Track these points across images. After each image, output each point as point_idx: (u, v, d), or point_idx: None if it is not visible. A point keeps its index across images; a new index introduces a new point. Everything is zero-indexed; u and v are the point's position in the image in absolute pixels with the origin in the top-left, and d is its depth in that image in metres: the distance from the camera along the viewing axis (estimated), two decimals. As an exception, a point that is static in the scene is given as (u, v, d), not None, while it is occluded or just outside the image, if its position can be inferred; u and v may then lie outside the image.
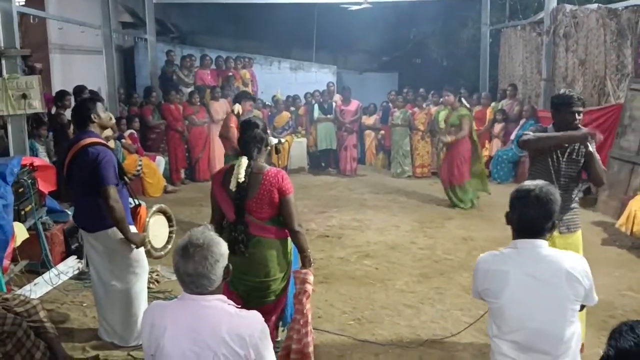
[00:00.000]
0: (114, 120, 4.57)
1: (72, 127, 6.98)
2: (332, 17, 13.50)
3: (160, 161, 9.58)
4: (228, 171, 3.36)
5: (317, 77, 13.62)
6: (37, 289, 5.04)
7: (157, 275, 5.46)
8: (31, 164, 5.49)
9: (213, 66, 11.67)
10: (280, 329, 3.88)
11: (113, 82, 9.81)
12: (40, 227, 5.40)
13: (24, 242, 5.00)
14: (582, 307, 2.56)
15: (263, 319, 2.21)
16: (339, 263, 6.00)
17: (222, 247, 2.19)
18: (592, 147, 3.76)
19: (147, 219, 4.14)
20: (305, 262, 3.44)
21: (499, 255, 2.55)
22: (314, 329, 3.67)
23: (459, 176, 8.24)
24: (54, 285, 5.21)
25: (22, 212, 5.14)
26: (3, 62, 6.19)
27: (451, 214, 8.01)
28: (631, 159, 7.58)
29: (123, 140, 8.76)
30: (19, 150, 6.22)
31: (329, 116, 11.19)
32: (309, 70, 13.93)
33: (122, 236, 3.89)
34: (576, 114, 3.74)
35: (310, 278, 3.42)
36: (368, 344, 4.23)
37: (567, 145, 3.80)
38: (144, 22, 11.69)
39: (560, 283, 2.40)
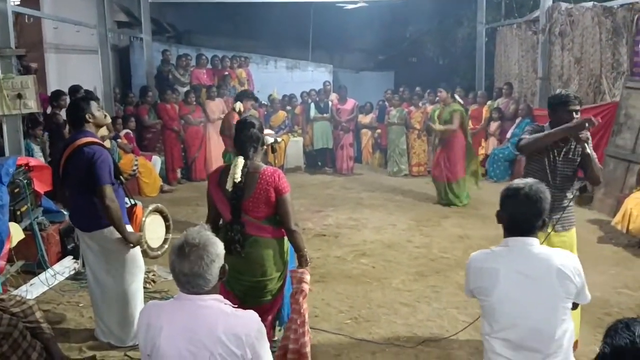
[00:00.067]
0: (109, 119, 4.55)
1: (67, 127, 6.96)
2: (328, 16, 13.50)
3: (157, 161, 9.56)
4: (224, 171, 3.36)
5: (314, 76, 13.60)
6: (33, 289, 5.03)
7: (153, 275, 5.45)
8: (27, 164, 5.47)
9: (209, 65, 11.67)
10: (277, 328, 3.88)
11: (109, 82, 9.79)
12: (36, 227, 5.39)
13: (19, 242, 4.99)
14: (576, 305, 2.57)
15: (259, 318, 2.21)
16: (336, 262, 6.00)
17: (218, 247, 2.19)
18: (589, 148, 3.75)
19: (143, 219, 4.13)
20: (302, 261, 3.44)
21: (490, 253, 2.56)
22: (310, 328, 3.67)
23: (455, 173, 8.26)
24: (50, 286, 5.20)
25: (18, 213, 5.12)
26: (-2, 62, 6.18)
27: (447, 212, 8.03)
28: (627, 157, 7.60)
29: (119, 140, 8.75)
30: (14, 150, 6.20)
31: (325, 115, 11.21)
32: (305, 69, 13.92)
33: (119, 236, 3.89)
34: (573, 113, 3.74)
35: (307, 277, 3.42)
36: (365, 343, 4.24)
37: (563, 144, 3.79)
38: (140, 22, 11.66)
39: (551, 281, 2.40)
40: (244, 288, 3.38)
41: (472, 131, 10.51)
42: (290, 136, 11.33)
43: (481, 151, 10.64)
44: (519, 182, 2.56)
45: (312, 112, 11.28)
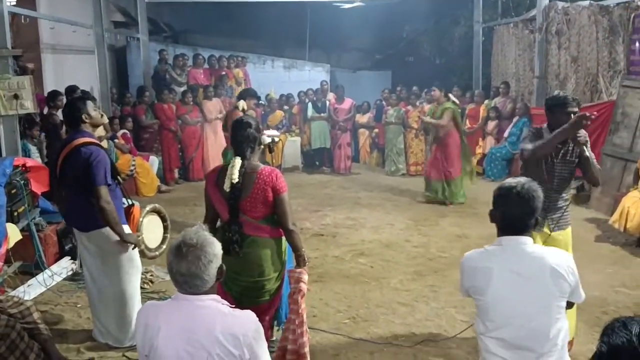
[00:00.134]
0: (106, 119, 4.55)
1: (64, 127, 6.95)
2: (325, 15, 13.49)
3: (154, 161, 9.55)
4: (222, 171, 3.35)
5: (311, 75, 13.60)
6: (30, 290, 5.02)
7: (151, 275, 5.45)
8: (24, 165, 5.46)
9: (206, 65, 11.65)
10: (275, 328, 3.88)
11: (105, 82, 9.77)
12: (33, 228, 5.38)
13: (17, 243, 4.98)
14: (571, 304, 2.57)
15: (257, 318, 2.21)
16: (334, 262, 6.00)
17: (216, 248, 2.19)
18: (588, 151, 3.74)
19: (141, 219, 4.13)
20: (300, 261, 3.43)
21: (484, 252, 2.56)
22: (308, 328, 3.67)
23: (452, 171, 8.29)
24: (48, 287, 5.19)
25: (15, 213, 5.11)
26: (-6, 62, 6.17)
27: (445, 211, 8.03)
28: (624, 156, 7.61)
29: (116, 141, 8.73)
30: (11, 151, 6.19)
31: (322, 115, 11.20)
32: (302, 68, 13.92)
33: (116, 236, 3.88)
34: (571, 115, 3.71)
35: (305, 277, 3.42)
36: (363, 343, 4.24)
37: (561, 146, 3.76)
38: (136, 22, 11.64)
39: (544, 279, 2.40)
40: (242, 288, 3.38)
41: (470, 130, 10.58)
42: (287, 136, 11.33)
43: (478, 150, 10.67)
44: (511, 181, 2.56)
45: (310, 111, 11.28)
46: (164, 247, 4.33)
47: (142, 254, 4.14)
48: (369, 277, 5.54)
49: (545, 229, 3.78)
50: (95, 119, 4.05)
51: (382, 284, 5.37)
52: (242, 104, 6.66)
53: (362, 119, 11.63)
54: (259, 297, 3.41)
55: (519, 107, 10.17)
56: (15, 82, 6.09)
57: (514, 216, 2.49)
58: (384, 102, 11.47)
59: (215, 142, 10.29)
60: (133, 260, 4.09)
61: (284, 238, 3.44)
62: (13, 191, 5.12)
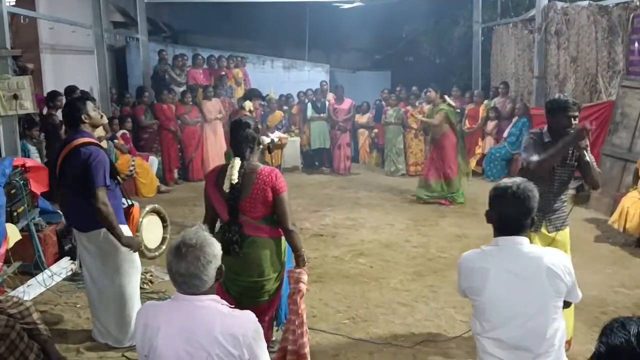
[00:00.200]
0: (105, 119, 4.54)
1: (63, 127, 6.95)
2: (325, 15, 13.49)
3: (153, 161, 9.55)
4: (221, 171, 3.35)
5: (310, 75, 13.60)
6: (30, 290, 5.02)
7: (150, 275, 5.45)
8: (23, 165, 5.46)
9: (205, 65, 11.63)
10: (275, 328, 3.88)
11: (105, 82, 9.77)
12: (33, 228, 5.38)
13: (16, 243, 4.98)
14: (568, 304, 2.57)
15: (257, 318, 2.21)
16: (333, 262, 6.00)
17: (216, 248, 2.19)
18: (588, 155, 3.74)
19: (141, 219, 4.12)
20: (299, 261, 3.43)
21: (480, 252, 2.55)
22: (308, 328, 3.67)
23: (450, 171, 8.31)
24: (48, 287, 5.19)
25: (15, 214, 5.11)
26: (-6, 62, 6.17)
27: (445, 212, 8.03)
28: (623, 156, 7.62)
29: (115, 141, 8.73)
30: (10, 151, 6.19)
31: (322, 115, 11.20)
32: (301, 69, 13.92)
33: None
34: (572, 119, 3.70)
35: (305, 277, 3.42)
36: (363, 343, 4.24)
37: None
38: (136, 22, 11.64)
39: (541, 280, 2.40)
40: (241, 289, 3.37)
41: (469, 130, 10.58)
42: (287, 136, 11.31)
43: (478, 150, 10.68)
44: (506, 181, 2.56)
45: (309, 112, 11.28)
46: (164, 247, 4.32)
47: (142, 254, 4.13)
48: (368, 278, 5.54)
49: (544, 230, 3.79)
50: (95, 119, 4.05)
51: (382, 284, 5.38)
52: (248, 104, 6.65)
53: (362, 119, 11.64)
54: (259, 298, 3.41)
55: (519, 107, 10.17)
56: (14, 82, 6.09)
57: (509, 216, 2.49)
58: (383, 102, 11.47)
59: (214, 142, 10.30)
60: (133, 260, 4.09)
61: (283, 238, 3.44)
62: (12, 191, 5.12)
